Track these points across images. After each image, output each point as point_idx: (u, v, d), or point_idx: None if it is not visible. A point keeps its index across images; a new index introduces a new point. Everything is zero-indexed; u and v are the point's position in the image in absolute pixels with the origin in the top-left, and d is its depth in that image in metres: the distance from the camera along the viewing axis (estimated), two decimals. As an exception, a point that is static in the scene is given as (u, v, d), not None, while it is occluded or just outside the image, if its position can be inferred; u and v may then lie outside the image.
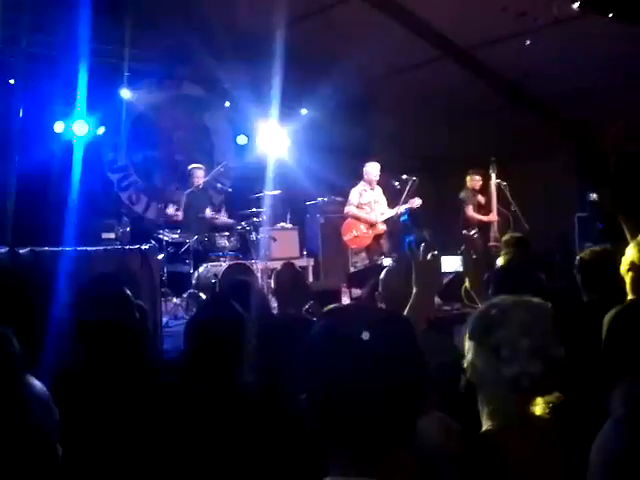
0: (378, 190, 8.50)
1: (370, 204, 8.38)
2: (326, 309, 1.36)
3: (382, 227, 8.38)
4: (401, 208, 8.27)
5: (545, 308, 1.70)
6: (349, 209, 8.41)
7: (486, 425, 1.72)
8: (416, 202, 8.19)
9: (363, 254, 8.62)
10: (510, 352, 1.62)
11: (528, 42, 7.25)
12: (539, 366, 1.61)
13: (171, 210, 8.06)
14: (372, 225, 8.30)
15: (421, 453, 1.30)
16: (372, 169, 8.46)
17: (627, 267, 2.73)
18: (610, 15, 5.43)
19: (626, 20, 5.47)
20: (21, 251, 3.83)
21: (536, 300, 1.72)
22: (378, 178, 8.42)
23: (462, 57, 8.87)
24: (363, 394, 1.12)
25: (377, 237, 8.35)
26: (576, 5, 5.52)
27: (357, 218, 8.33)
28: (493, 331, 1.66)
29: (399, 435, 1.15)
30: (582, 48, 7.74)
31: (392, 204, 8.45)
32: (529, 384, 1.63)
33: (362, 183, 8.48)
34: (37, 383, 1.46)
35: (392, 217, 8.38)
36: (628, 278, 2.73)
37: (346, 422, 1.13)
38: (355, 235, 8.32)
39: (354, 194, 8.43)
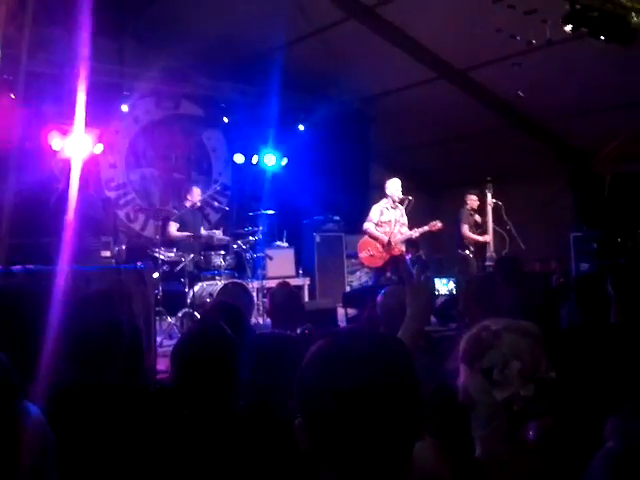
0: (401, 209, 8.07)
1: (390, 223, 7.95)
2: (322, 333, 1.37)
3: (400, 247, 7.97)
4: (419, 230, 7.92)
5: (536, 330, 1.70)
6: (367, 226, 8.00)
7: (479, 450, 1.72)
8: (437, 225, 7.88)
9: (357, 273, 8.52)
10: (501, 375, 1.63)
11: (516, 63, 7.30)
12: (531, 389, 1.61)
13: (173, 228, 8.00)
14: (388, 243, 7.91)
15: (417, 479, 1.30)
16: (392, 185, 8.04)
17: None
18: (602, 37, 5.49)
19: (618, 42, 5.53)
20: (15, 270, 3.82)
21: (527, 323, 1.73)
22: (400, 195, 7.99)
23: (457, 78, 8.95)
24: (358, 419, 1.12)
25: (394, 259, 7.89)
26: (568, 28, 5.58)
27: (373, 237, 7.97)
28: (484, 354, 1.66)
29: (395, 461, 1.14)
30: (577, 69, 7.82)
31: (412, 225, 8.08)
32: (521, 407, 1.63)
33: (384, 200, 8.07)
34: (34, 409, 1.45)
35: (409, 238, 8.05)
36: None
37: (341, 447, 1.13)
38: (370, 254, 7.96)
39: (375, 211, 8.04)
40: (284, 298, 3.93)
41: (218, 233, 8.10)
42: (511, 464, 1.63)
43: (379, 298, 3.12)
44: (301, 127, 10.04)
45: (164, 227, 8.00)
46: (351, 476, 1.13)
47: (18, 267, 3.92)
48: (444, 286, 4.97)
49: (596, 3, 5.58)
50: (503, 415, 1.64)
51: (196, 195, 8.29)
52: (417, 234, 7.96)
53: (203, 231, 8.08)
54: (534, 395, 1.60)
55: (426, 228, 7.91)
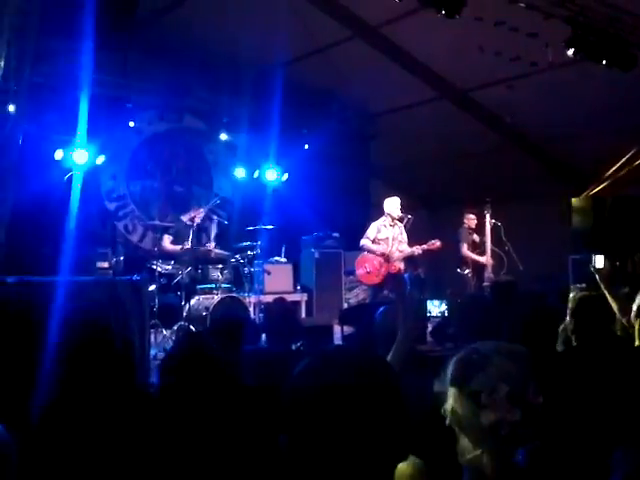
0: (399, 227, 8.03)
1: (387, 240, 7.92)
2: (313, 351, 1.38)
3: (398, 265, 7.92)
4: (418, 248, 7.86)
5: (525, 354, 1.70)
6: (364, 242, 7.99)
7: (467, 474, 1.71)
8: (435, 244, 7.83)
9: (355, 290, 8.48)
10: (489, 399, 1.62)
11: (509, 86, 7.37)
12: (518, 414, 1.60)
13: (167, 242, 7.98)
14: (385, 260, 7.86)
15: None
16: (390, 204, 8.02)
17: (636, 313, 2.77)
18: (603, 62, 5.53)
19: (619, 67, 5.57)
20: (10, 280, 3.82)
21: (516, 346, 1.72)
22: (399, 213, 7.94)
23: (459, 98, 9.00)
24: (343, 438, 1.13)
25: (391, 276, 7.87)
26: (571, 52, 5.63)
27: (371, 252, 7.93)
28: (473, 377, 1.65)
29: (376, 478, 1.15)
30: (578, 92, 7.87)
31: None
32: (508, 432, 1.62)
33: (382, 218, 8.05)
34: None
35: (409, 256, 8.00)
36: (637, 324, 2.77)
37: (325, 466, 1.14)
38: (367, 271, 7.94)
39: (372, 228, 8.04)
40: (279, 314, 3.92)
41: (213, 246, 8.09)
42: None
43: (376, 318, 3.11)
44: (306, 146, 10.04)
45: (161, 240, 8.02)
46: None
47: (12, 277, 3.92)
48: (436, 307, 4.99)
49: (601, 24, 5.62)
50: (491, 439, 1.63)
51: (198, 215, 8.16)
52: (416, 252, 7.94)
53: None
54: (521, 420, 1.59)
55: (425, 247, 7.89)
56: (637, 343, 2.82)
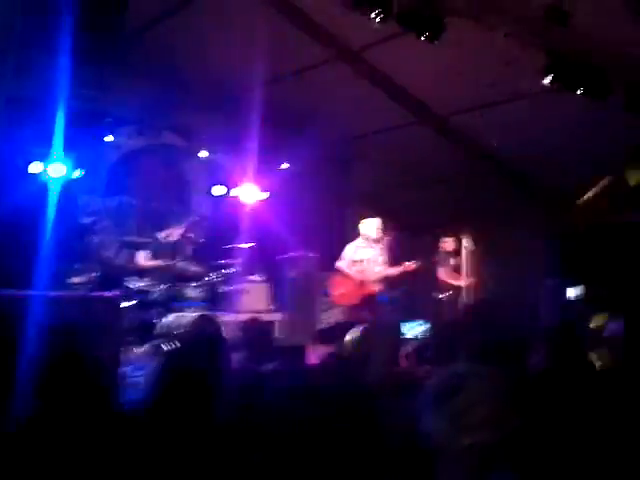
0: (376, 249, 8.03)
1: (363, 262, 7.92)
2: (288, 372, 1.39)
3: (374, 286, 7.89)
4: (394, 270, 7.89)
5: (502, 377, 1.71)
6: (339, 264, 7.99)
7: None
8: (411, 266, 7.88)
9: (332, 311, 8.45)
10: (467, 421, 1.62)
11: (483, 114, 7.51)
12: (495, 436, 1.61)
13: (141, 258, 7.90)
14: (361, 282, 7.84)
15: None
16: (367, 225, 8.06)
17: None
18: (579, 91, 5.64)
19: (592, 97, 5.68)
20: (-18, 294, 3.76)
21: (494, 369, 1.73)
22: (378, 235, 7.97)
23: (438, 123, 9.11)
24: (317, 459, 1.13)
25: (367, 297, 7.86)
26: (547, 80, 5.73)
27: (346, 275, 7.91)
28: (451, 399, 1.66)
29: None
30: (557, 118, 8.00)
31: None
32: (486, 454, 1.62)
33: (359, 239, 8.08)
34: None
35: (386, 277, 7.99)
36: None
37: None
38: (343, 292, 7.92)
39: (348, 249, 8.03)
40: (254, 333, 3.91)
41: (191, 266, 8.04)
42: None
43: (352, 339, 3.11)
44: (285, 165, 10.06)
45: (135, 256, 7.96)
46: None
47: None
48: (412, 330, 5.01)
49: (578, 54, 5.73)
50: (469, 461, 1.63)
51: (175, 233, 8.15)
52: (391, 273, 7.96)
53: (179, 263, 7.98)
54: (499, 442, 1.60)
55: (401, 268, 7.92)
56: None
